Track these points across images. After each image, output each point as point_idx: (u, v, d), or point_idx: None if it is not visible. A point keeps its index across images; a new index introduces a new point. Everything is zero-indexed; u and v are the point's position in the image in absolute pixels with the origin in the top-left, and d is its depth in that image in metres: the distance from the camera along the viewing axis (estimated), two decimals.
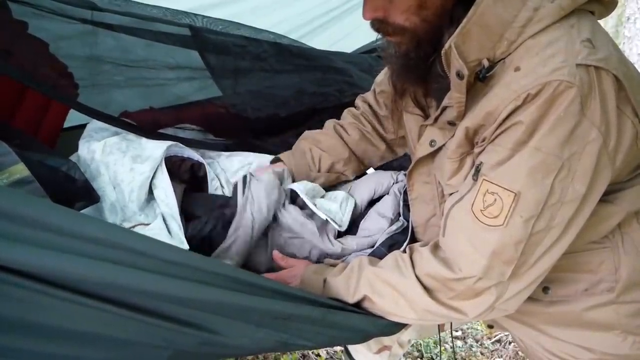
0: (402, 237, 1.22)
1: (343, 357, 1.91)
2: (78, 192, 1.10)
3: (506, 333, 2.42)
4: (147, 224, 1.14)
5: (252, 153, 1.45)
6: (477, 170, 0.95)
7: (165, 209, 1.16)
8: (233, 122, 1.57)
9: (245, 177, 1.22)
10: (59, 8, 1.24)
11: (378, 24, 0.99)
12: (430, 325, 1.51)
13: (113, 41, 1.36)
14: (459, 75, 0.91)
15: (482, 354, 2.44)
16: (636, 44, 4.39)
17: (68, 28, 1.28)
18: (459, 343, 2.49)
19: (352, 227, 1.29)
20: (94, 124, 1.31)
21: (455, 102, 0.95)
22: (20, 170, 1.00)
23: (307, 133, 1.44)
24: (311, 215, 1.25)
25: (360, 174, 1.49)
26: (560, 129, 0.85)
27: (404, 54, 1.01)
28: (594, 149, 0.87)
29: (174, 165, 1.30)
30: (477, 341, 2.51)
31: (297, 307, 0.92)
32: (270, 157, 1.43)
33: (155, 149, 1.24)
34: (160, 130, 1.41)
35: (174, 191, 1.19)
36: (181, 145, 1.32)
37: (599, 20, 0.99)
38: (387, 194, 1.34)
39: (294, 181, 1.34)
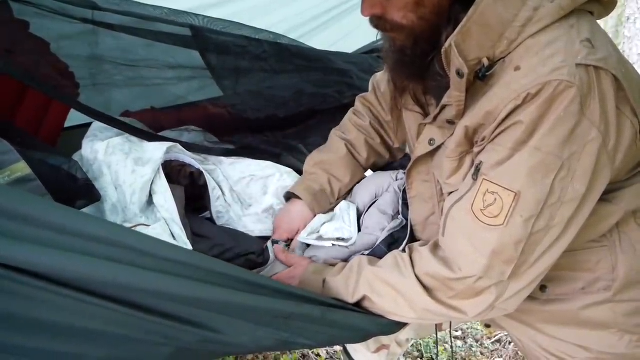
0: (402, 235, 1.23)
1: (342, 357, 1.91)
2: (79, 190, 1.11)
3: (506, 333, 2.42)
4: (148, 225, 1.14)
5: (254, 161, 1.44)
6: (477, 170, 0.95)
7: (166, 214, 1.16)
8: (233, 123, 1.57)
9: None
10: (60, 7, 1.24)
11: (376, 21, 1.00)
12: (429, 324, 1.51)
13: (114, 41, 1.36)
14: (459, 74, 0.91)
15: (482, 354, 2.44)
16: (636, 44, 4.39)
17: (69, 28, 1.28)
18: (459, 343, 2.49)
19: None
20: (99, 123, 1.31)
21: (454, 100, 0.96)
22: (22, 168, 1.01)
23: (320, 157, 1.39)
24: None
25: None
26: (560, 128, 0.86)
27: (399, 49, 1.02)
28: (594, 148, 0.87)
29: (173, 170, 1.31)
30: (477, 341, 2.52)
31: (298, 306, 0.93)
32: (271, 165, 1.42)
33: (155, 151, 1.24)
34: (162, 133, 1.41)
35: (174, 194, 1.19)
36: (181, 147, 1.32)
37: (598, 21, 0.99)
38: (387, 191, 1.35)
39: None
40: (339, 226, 1.28)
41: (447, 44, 0.90)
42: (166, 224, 1.14)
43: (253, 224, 1.36)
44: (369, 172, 1.51)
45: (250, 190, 1.40)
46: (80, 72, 1.33)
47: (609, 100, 0.88)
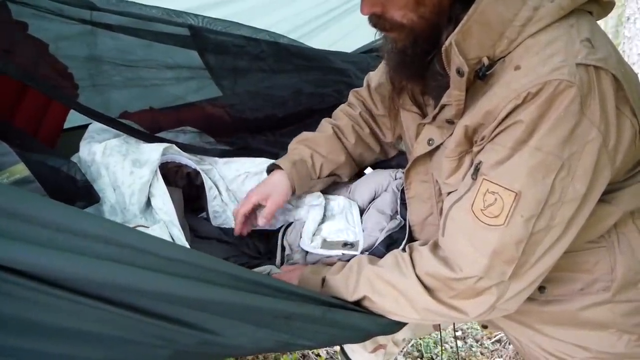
0: (401, 236, 1.22)
1: (340, 357, 1.91)
2: (78, 192, 1.11)
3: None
4: (147, 227, 1.14)
5: (248, 159, 1.44)
6: (477, 170, 0.95)
7: (165, 217, 1.16)
8: (232, 123, 1.57)
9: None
10: (58, 8, 1.24)
11: (375, 20, 0.99)
12: (426, 323, 1.51)
13: (112, 41, 1.36)
14: (459, 73, 0.91)
15: (482, 354, 2.44)
16: (636, 44, 4.39)
17: (67, 28, 1.28)
18: (459, 343, 2.49)
19: None
20: (96, 125, 1.31)
21: (454, 100, 0.95)
22: (21, 170, 1.01)
23: (305, 135, 1.38)
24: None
25: (355, 174, 1.47)
26: (560, 128, 0.86)
27: (400, 50, 1.02)
28: (594, 148, 0.87)
29: (169, 171, 1.31)
30: (477, 341, 2.51)
31: (298, 306, 0.92)
32: (264, 161, 1.41)
33: (152, 152, 1.24)
34: (159, 134, 1.41)
35: (172, 197, 1.19)
36: (177, 149, 1.32)
37: (598, 21, 0.99)
38: (386, 191, 1.34)
39: (294, 192, 1.31)
40: (342, 227, 1.26)
41: (447, 43, 0.90)
42: (165, 225, 1.14)
43: None
44: (368, 170, 1.51)
45: (245, 188, 1.39)
46: (79, 73, 1.33)
47: (608, 100, 0.88)
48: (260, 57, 1.58)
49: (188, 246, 1.11)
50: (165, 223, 1.14)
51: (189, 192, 1.33)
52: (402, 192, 1.28)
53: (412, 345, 2.39)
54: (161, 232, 1.09)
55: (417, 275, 1.00)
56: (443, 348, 2.41)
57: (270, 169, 1.33)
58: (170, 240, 1.11)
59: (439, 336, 2.30)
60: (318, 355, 2.28)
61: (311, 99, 1.65)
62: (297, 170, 1.29)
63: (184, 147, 1.35)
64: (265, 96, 1.60)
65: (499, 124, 0.91)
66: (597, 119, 0.86)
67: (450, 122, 1.02)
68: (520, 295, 0.96)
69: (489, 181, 0.92)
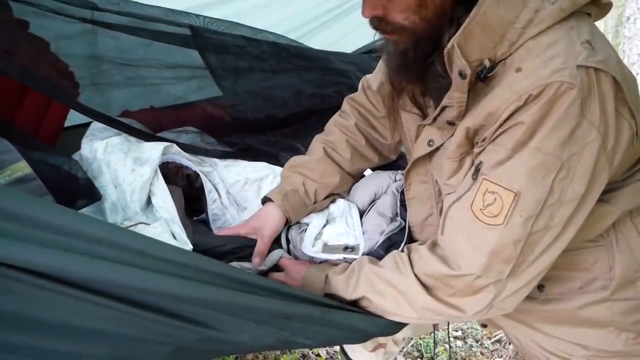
0: (400, 237, 1.23)
1: (340, 357, 1.92)
2: (80, 190, 1.11)
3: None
4: (148, 224, 1.14)
5: (249, 163, 1.44)
6: (477, 170, 0.95)
7: (166, 215, 1.16)
8: (233, 123, 1.57)
9: None
10: (59, 7, 1.25)
11: (377, 22, 0.99)
12: (425, 323, 1.51)
13: (113, 41, 1.36)
14: (462, 75, 0.91)
15: (482, 354, 2.44)
16: (636, 44, 4.40)
17: (68, 27, 1.28)
18: (458, 343, 2.49)
19: None
20: (98, 123, 1.31)
21: (456, 101, 0.96)
22: (22, 168, 1.01)
23: (296, 161, 1.34)
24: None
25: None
26: (560, 129, 0.86)
27: (401, 52, 1.02)
28: (593, 149, 0.88)
29: (170, 172, 1.31)
30: (477, 341, 2.52)
31: (298, 307, 0.93)
32: (264, 166, 1.40)
33: (153, 151, 1.24)
34: (160, 134, 1.41)
35: (173, 195, 1.19)
36: (178, 148, 1.32)
37: (598, 21, 1.00)
38: (386, 193, 1.34)
39: (288, 222, 1.29)
40: (342, 231, 1.26)
41: (449, 45, 0.90)
42: (166, 223, 1.14)
43: None
44: (368, 171, 1.51)
45: (245, 194, 1.39)
46: (80, 72, 1.33)
47: (608, 102, 0.88)
48: (261, 58, 1.58)
49: (190, 244, 1.11)
50: (167, 221, 1.14)
51: (188, 193, 1.33)
52: (402, 193, 1.28)
53: (412, 345, 2.40)
54: (162, 230, 1.10)
55: (415, 275, 1.00)
56: (443, 348, 2.41)
57: (263, 201, 1.30)
58: (172, 237, 1.11)
59: (439, 336, 2.30)
60: (318, 355, 2.28)
61: (312, 99, 1.65)
62: (289, 201, 1.26)
63: (185, 147, 1.35)
64: (265, 96, 1.61)
65: (500, 125, 0.91)
66: (596, 120, 0.87)
67: (451, 123, 1.03)
68: (518, 293, 0.97)
69: (489, 181, 0.92)
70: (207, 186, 1.33)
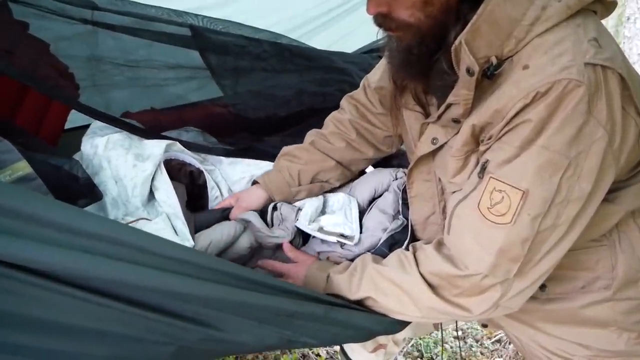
0: (403, 236, 1.22)
1: (340, 357, 1.91)
2: (81, 189, 1.11)
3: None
4: (150, 220, 1.14)
5: (253, 161, 1.45)
6: (483, 168, 0.95)
7: (168, 209, 1.16)
8: (234, 123, 1.57)
9: None
10: (59, 8, 1.24)
11: (381, 19, 0.98)
12: (426, 322, 1.51)
13: (113, 41, 1.36)
14: (469, 72, 0.91)
15: (482, 354, 2.43)
16: (636, 44, 4.40)
17: (69, 28, 1.28)
18: (459, 343, 2.48)
19: None
20: (98, 123, 1.31)
21: (462, 99, 0.95)
22: (23, 167, 1.01)
23: (285, 149, 1.40)
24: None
25: (348, 180, 1.46)
26: (568, 127, 0.86)
27: (405, 48, 1.01)
28: (600, 147, 0.87)
29: (173, 169, 1.31)
30: (477, 341, 2.51)
31: (301, 305, 0.93)
32: (269, 164, 1.42)
33: (155, 147, 1.24)
34: (164, 133, 1.41)
35: (176, 191, 1.19)
36: (181, 146, 1.32)
37: None
38: (388, 190, 1.34)
39: (272, 201, 1.33)
40: (340, 221, 1.27)
41: (457, 42, 0.90)
42: (168, 218, 1.14)
43: None
44: (369, 168, 1.51)
45: None
46: (80, 73, 1.33)
47: (615, 100, 0.88)
48: (261, 57, 1.58)
49: (192, 239, 1.11)
50: (169, 216, 1.14)
51: (191, 190, 1.33)
52: (404, 191, 1.28)
53: (412, 345, 2.39)
54: (164, 225, 1.09)
55: (420, 274, 1.00)
56: (443, 348, 2.41)
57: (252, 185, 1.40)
58: (174, 232, 1.11)
59: (439, 336, 2.30)
60: (318, 355, 2.27)
61: (313, 98, 1.65)
62: (270, 180, 1.35)
63: (188, 145, 1.35)
64: (267, 96, 1.61)
65: (507, 122, 0.90)
66: (603, 118, 0.86)
67: (456, 121, 1.02)
68: (524, 293, 0.96)
69: (496, 179, 0.92)
70: (210, 183, 1.33)
